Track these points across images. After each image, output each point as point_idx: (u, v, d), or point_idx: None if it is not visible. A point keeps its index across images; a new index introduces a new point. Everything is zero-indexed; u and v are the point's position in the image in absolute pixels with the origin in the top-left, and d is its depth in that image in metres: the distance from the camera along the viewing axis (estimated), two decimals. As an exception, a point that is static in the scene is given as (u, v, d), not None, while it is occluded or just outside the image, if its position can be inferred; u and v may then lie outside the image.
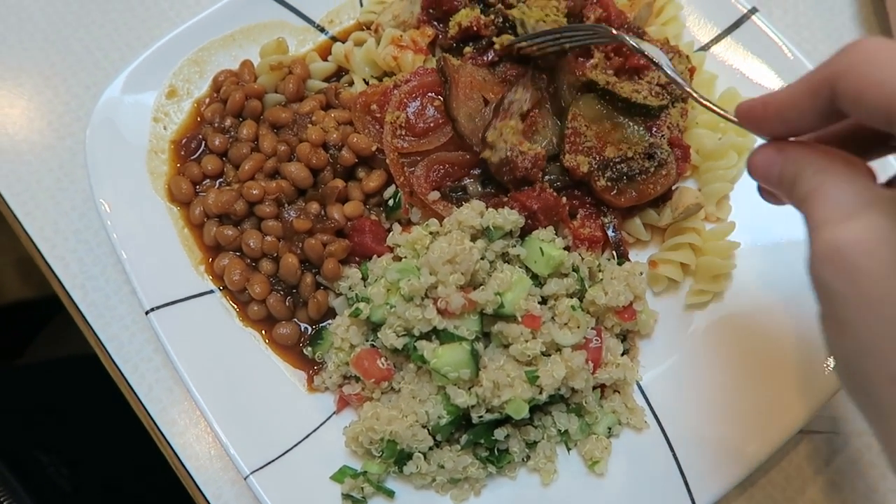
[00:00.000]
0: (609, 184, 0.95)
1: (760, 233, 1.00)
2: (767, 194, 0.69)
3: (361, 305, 0.88)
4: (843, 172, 0.55)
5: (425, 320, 0.84)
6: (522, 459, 0.87)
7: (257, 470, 0.83)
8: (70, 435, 1.39)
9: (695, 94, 0.78)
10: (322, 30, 1.13)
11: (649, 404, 0.92)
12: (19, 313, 2.01)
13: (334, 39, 1.13)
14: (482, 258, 0.89)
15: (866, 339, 0.51)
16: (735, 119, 0.65)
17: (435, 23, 1.09)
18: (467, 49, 1.04)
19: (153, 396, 0.95)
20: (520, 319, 0.85)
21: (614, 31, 0.91)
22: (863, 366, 0.52)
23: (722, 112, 0.71)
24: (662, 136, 0.99)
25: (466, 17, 1.03)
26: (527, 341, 0.85)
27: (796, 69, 1.05)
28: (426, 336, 0.86)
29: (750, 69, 1.08)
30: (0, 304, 2.02)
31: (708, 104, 0.74)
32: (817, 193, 0.55)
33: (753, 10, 1.08)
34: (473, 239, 0.90)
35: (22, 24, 1.17)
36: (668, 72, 0.84)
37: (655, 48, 0.90)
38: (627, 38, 0.89)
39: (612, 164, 0.95)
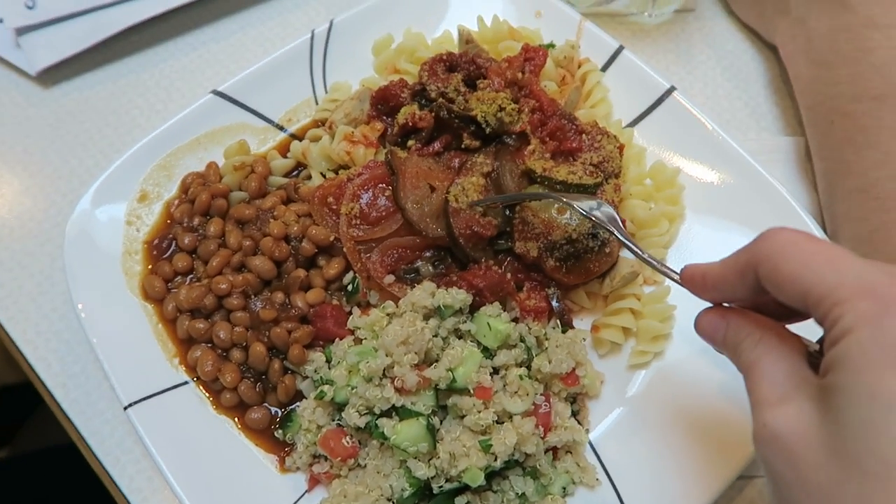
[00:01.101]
0: (558, 264, 1.04)
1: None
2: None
3: (326, 388, 0.95)
4: (776, 349, 0.64)
5: (384, 399, 0.91)
6: (483, 524, 0.93)
7: (234, 552, 0.89)
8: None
9: (641, 253, 0.85)
10: (281, 128, 1.22)
11: (601, 461, 0.98)
12: (5, 398, 2.04)
13: (293, 136, 1.22)
14: (436, 335, 0.96)
15: None
16: (679, 280, 0.77)
17: (384, 117, 1.19)
18: (410, 142, 1.13)
19: (134, 487, 1.00)
20: (472, 392, 0.92)
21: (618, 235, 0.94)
22: None
23: (670, 273, 0.80)
24: (601, 214, 1.08)
25: (403, 114, 1.13)
26: (479, 412, 0.91)
27: (715, 139, 1.15)
28: (386, 413, 0.92)
29: (674, 141, 1.18)
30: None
31: (658, 266, 0.82)
32: (754, 370, 0.64)
33: (672, 89, 1.19)
34: (427, 318, 0.98)
35: (2, 137, 1.25)
36: (620, 236, 0.90)
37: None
38: (621, 237, 0.92)
39: (558, 246, 1.04)
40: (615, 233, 0.89)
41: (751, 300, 0.70)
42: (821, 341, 0.64)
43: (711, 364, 1.02)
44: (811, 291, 0.58)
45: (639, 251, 0.85)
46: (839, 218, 1.10)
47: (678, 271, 0.78)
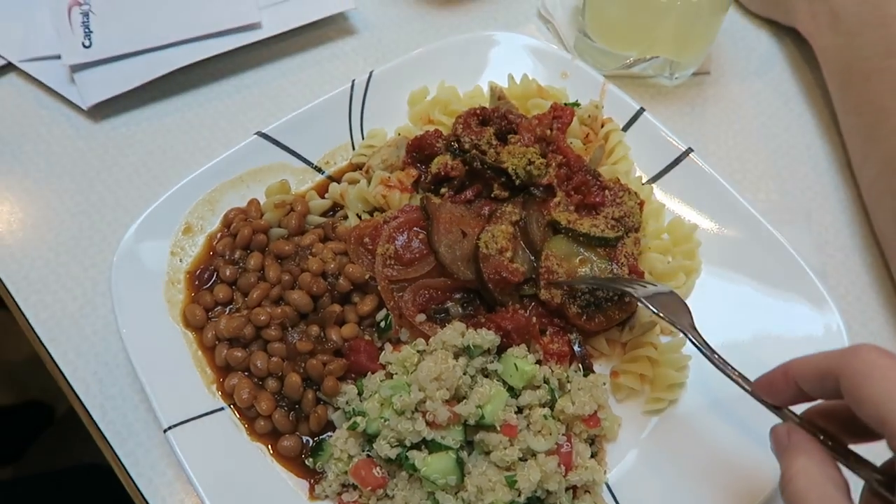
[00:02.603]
0: (580, 311, 1.10)
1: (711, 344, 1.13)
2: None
3: (358, 419, 0.99)
4: (828, 485, 0.68)
5: (415, 432, 0.96)
6: (506, 559, 0.97)
7: (265, 575, 0.92)
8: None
9: (711, 356, 0.91)
10: (319, 170, 1.29)
11: (617, 502, 1.02)
12: (12, 418, 2.06)
13: (330, 178, 1.29)
14: (464, 373, 1.01)
15: None
16: (748, 389, 0.83)
17: (418, 164, 1.26)
18: (443, 189, 1.20)
19: (166, 509, 1.04)
20: (499, 428, 0.97)
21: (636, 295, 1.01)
22: None
23: (740, 381, 0.86)
24: (622, 265, 1.14)
25: (437, 163, 1.20)
26: (505, 448, 0.96)
27: (727, 198, 1.22)
28: (416, 446, 0.97)
29: (690, 199, 1.25)
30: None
31: (726, 371, 0.87)
32: (799, 497, 0.68)
33: (689, 150, 1.27)
34: (456, 356, 1.03)
35: (51, 167, 1.32)
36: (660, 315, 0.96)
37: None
38: (639, 298, 1.00)
39: (581, 294, 1.10)
40: (678, 326, 0.94)
41: (827, 399, 0.75)
42: (887, 464, 0.71)
43: (724, 414, 1.07)
44: (889, 421, 0.63)
45: (706, 351, 0.90)
46: (880, 163, 1.23)
47: (751, 381, 0.84)
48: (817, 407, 0.79)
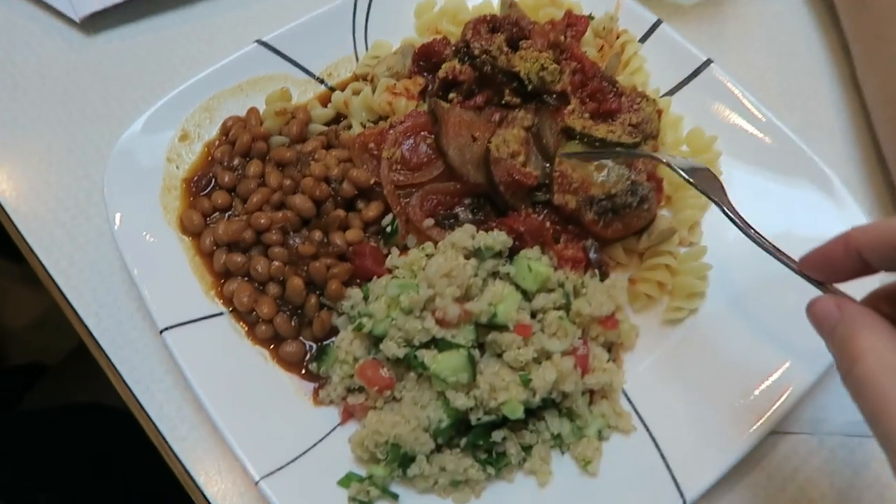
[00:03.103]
0: (596, 217, 1.05)
1: (730, 254, 1.08)
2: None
3: (364, 320, 0.95)
4: (885, 352, 0.59)
5: (424, 330, 0.91)
6: (519, 462, 0.92)
7: (267, 475, 0.87)
8: (68, 477, 1.40)
9: (742, 226, 0.87)
10: (322, 81, 1.24)
11: (635, 409, 0.97)
12: (5, 377, 2.03)
13: (332, 90, 1.23)
14: (475, 275, 0.96)
15: None
16: (797, 268, 0.76)
17: (425, 73, 1.20)
18: (451, 95, 1.15)
19: (163, 415, 0.99)
20: (512, 328, 0.92)
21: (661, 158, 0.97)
22: None
23: (780, 256, 0.80)
24: (639, 171, 1.09)
25: (445, 69, 1.14)
26: (519, 348, 0.91)
27: (751, 111, 1.17)
28: (425, 346, 0.92)
29: (711, 112, 1.20)
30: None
31: (773, 250, 0.82)
32: (888, 397, 0.57)
33: (709, 61, 1.21)
34: (466, 259, 0.98)
35: (43, 79, 1.26)
36: (690, 180, 0.91)
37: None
38: (670, 163, 0.95)
39: (597, 200, 1.05)
40: (718, 203, 0.89)
41: (859, 276, 0.67)
42: None
43: (744, 322, 1.03)
44: None
45: (743, 226, 0.86)
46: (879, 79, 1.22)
47: (796, 260, 0.77)
48: (877, 291, 0.70)
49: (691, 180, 0.90)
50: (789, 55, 1.37)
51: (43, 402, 1.67)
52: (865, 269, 0.66)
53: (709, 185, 0.91)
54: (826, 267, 0.70)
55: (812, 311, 0.69)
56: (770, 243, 0.83)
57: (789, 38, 1.40)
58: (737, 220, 0.87)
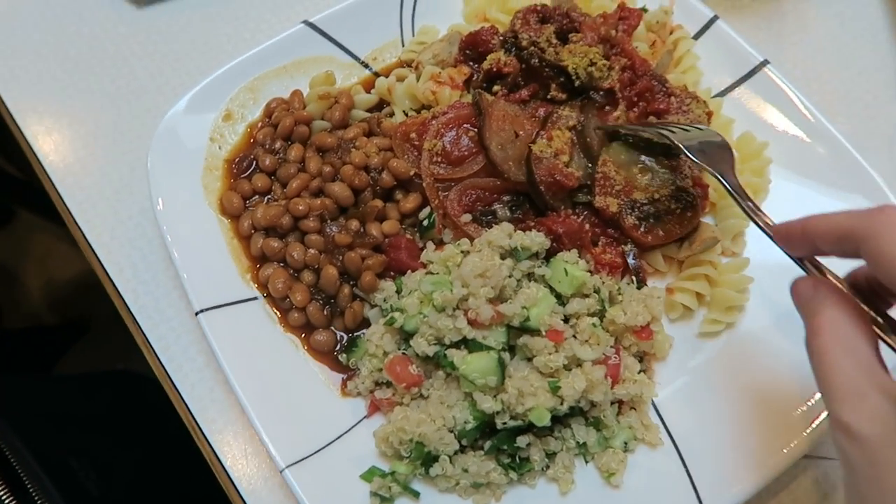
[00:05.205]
0: (637, 222, 1.03)
1: (773, 269, 1.05)
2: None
3: (396, 315, 0.94)
4: (852, 339, 0.63)
5: (456, 329, 0.90)
6: (542, 469, 0.92)
7: (292, 465, 0.88)
8: (98, 443, 1.44)
9: (738, 198, 0.86)
10: (366, 66, 1.22)
11: (663, 422, 0.96)
12: (45, 336, 2.10)
13: (377, 75, 1.22)
14: (510, 276, 0.95)
15: None
16: (770, 233, 0.77)
17: (471, 63, 1.18)
18: (496, 87, 1.12)
19: (195, 395, 1.01)
20: (544, 333, 0.91)
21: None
22: None
23: (762, 223, 0.81)
24: (685, 177, 1.06)
25: (490, 60, 1.12)
26: (550, 354, 0.90)
27: (805, 116, 1.12)
28: (456, 345, 0.92)
29: (763, 115, 1.16)
30: (27, 326, 2.11)
31: (750, 213, 0.83)
32: (828, 357, 0.63)
33: (765, 62, 1.17)
34: (502, 258, 0.97)
35: (93, 50, 1.28)
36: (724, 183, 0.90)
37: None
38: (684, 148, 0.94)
39: (639, 205, 1.02)
40: (710, 170, 0.90)
41: (843, 257, 0.69)
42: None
43: (784, 341, 1.00)
44: None
45: (739, 196, 0.85)
46: None
47: (772, 224, 0.78)
48: (861, 270, 0.71)
49: (694, 157, 0.90)
50: (850, 58, 1.31)
51: (80, 366, 1.72)
52: (820, 253, 0.70)
53: (715, 155, 0.89)
54: (788, 243, 0.74)
55: (793, 290, 0.72)
56: (763, 217, 0.82)
57: (851, 39, 1.34)
58: (733, 191, 0.86)
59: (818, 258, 0.74)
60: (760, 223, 0.81)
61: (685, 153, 0.92)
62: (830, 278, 0.71)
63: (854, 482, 0.60)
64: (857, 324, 0.64)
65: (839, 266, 0.71)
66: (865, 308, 0.67)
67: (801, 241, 0.72)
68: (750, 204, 0.84)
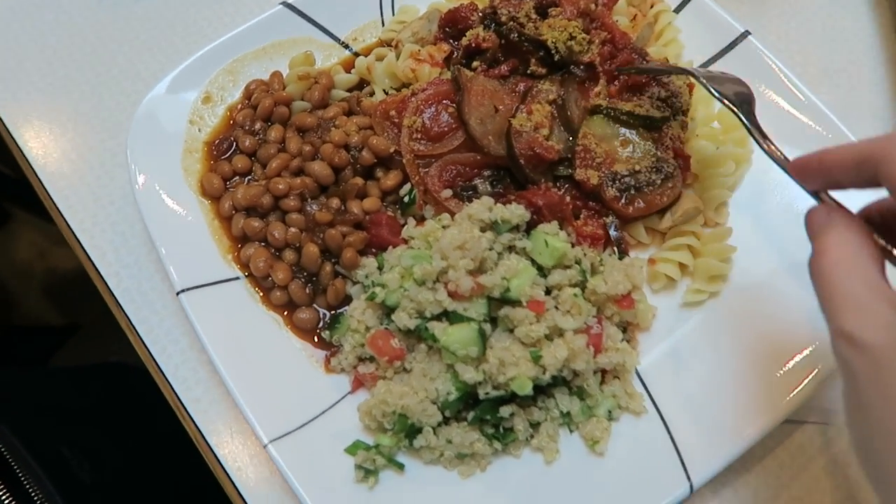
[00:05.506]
0: (618, 194, 1.02)
1: (756, 238, 1.05)
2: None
3: (378, 290, 0.94)
4: (859, 252, 0.63)
5: (436, 302, 0.90)
6: (526, 439, 0.92)
7: (276, 439, 0.88)
8: (89, 433, 1.44)
9: (756, 135, 0.85)
10: (346, 46, 1.22)
11: (647, 391, 0.96)
12: (40, 335, 2.10)
13: (356, 55, 1.21)
14: (490, 249, 0.95)
15: (883, 420, 0.57)
16: (787, 169, 0.76)
17: (451, 40, 1.18)
18: (475, 63, 1.12)
19: (179, 375, 1.01)
20: (525, 304, 0.91)
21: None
22: (875, 444, 0.59)
23: (780, 160, 0.80)
24: (666, 148, 1.06)
25: (469, 36, 1.12)
26: (531, 324, 0.90)
27: (788, 87, 1.12)
28: (437, 318, 0.92)
29: (746, 86, 1.15)
30: (23, 324, 2.11)
31: (770, 149, 0.82)
32: (835, 272, 0.62)
33: (747, 33, 1.16)
34: (482, 231, 0.97)
35: (72, 37, 1.27)
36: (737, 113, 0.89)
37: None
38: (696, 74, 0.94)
39: (620, 177, 1.02)
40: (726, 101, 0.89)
41: (860, 188, 0.68)
42: None
43: (765, 309, 1.00)
44: None
45: (753, 126, 0.85)
46: None
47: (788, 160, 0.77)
48: (875, 204, 0.71)
49: (711, 88, 0.90)
50: (834, 30, 1.31)
51: (73, 360, 1.72)
52: (837, 185, 0.70)
53: (738, 96, 0.89)
54: (804, 177, 0.73)
55: (807, 218, 0.71)
56: (777, 150, 0.82)
57: (835, 10, 1.33)
58: (756, 135, 0.85)
59: (833, 193, 0.73)
60: (779, 160, 0.80)
61: (707, 88, 0.91)
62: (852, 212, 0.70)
63: (857, 392, 0.60)
64: (864, 244, 0.64)
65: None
66: (876, 236, 0.66)
67: (817, 172, 0.71)
68: (768, 143, 0.83)
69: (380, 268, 0.99)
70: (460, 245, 0.91)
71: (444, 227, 0.99)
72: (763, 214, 1.07)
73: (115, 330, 1.15)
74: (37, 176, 1.16)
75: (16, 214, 2.22)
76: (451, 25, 1.17)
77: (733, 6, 1.32)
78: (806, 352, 0.94)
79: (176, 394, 1.00)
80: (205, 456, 0.98)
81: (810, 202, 0.73)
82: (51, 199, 1.14)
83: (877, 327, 0.58)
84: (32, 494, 1.20)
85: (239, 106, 1.13)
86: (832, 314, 0.62)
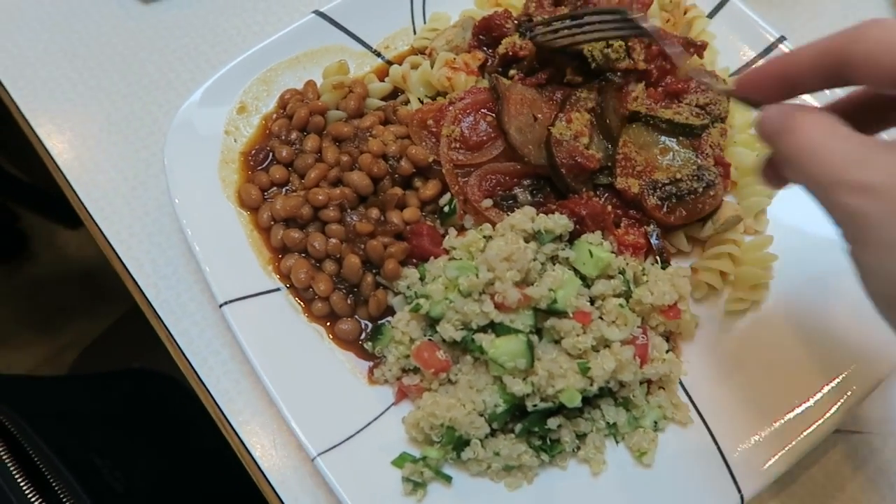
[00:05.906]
0: (659, 203, 1.02)
1: (797, 246, 1.05)
2: (766, 177, 0.72)
3: (421, 301, 0.94)
4: (843, 126, 0.57)
5: (483, 314, 0.90)
6: (573, 450, 0.92)
7: (323, 452, 0.88)
8: (120, 440, 1.44)
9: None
10: (378, 55, 1.22)
11: (692, 401, 0.96)
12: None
13: (389, 63, 1.21)
14: (534, 259, 0.95)
15: None
16: (731, 91, 0.69)
17: (485, 48, 1.17)
18: (512, 71, 1.12)
19: (220, 387, 1.00)
20: (571, 315, 0.90)
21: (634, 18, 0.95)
22: None
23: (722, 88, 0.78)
24: (706, 156, 1.05)
25: (505, 44, 1.11)
26: (578, 335, 0.90)
27: (825, 94, 1.11)
28: (482, 329, 0.91)
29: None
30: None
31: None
32: (822, 146, 0.57)
33: (782, 38, 1.16)
34: (525, 242, 0.96)
35: (102, 47, 1.27)
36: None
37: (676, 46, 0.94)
38: (646, 28, 0.94)
39: (661, 185, 1.02)
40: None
41: (816, 90, 0.64)
42: None
43: (810, 318, 0.99)
44: None
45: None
46: None
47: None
48: (842, 101, 0.67)
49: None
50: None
51: (97, 365, 1.72)
52: (798, 86, 0.64)
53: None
54: (759, 88, 0.66)
55: (760, 120, 0.63)
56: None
57: (862, 14, 1.32)
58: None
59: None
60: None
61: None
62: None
63: (876, 239, 0.54)
64: (838, 120, 0.58)
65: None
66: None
67: (774, 77, 0.65)
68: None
69: (421, 278, 0.99)
70: (507, 256, 0.90)
71: (485, 237, 0.99)
72: (802, 220, 1.07)
73: (139, 335, 1.14)
74: (70, 186, 1.15)
75: (34, 218, 2.22)
76: (486, 33, 1.16)
77: (766, 9, 1.32)
78: (852, 359, 0.94)
79: (219, 406, 0.99)
80: (248, 468, 0.98)
81: None
82: (86, 209, 1.13)
83: (884, 171, 0.53)
84: (66, 501, 1.20)
85: (274, 116, 1.13)
86: (827, 177, 0.56)
